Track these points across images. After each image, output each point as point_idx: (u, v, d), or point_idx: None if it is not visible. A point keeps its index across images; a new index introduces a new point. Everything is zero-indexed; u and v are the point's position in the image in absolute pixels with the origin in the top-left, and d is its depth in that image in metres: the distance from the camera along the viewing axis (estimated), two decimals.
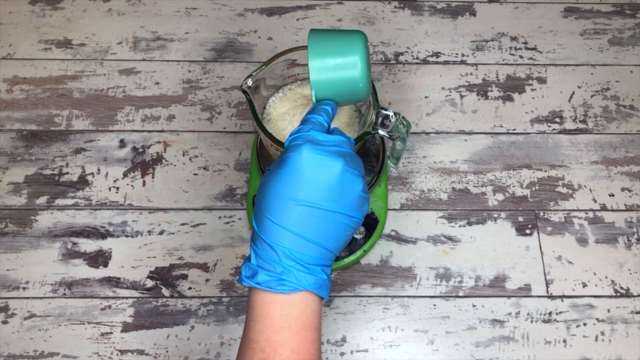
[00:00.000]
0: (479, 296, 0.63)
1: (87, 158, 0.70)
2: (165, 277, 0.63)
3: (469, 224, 0.67)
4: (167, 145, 0.71)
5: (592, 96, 0.75)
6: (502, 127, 0.73)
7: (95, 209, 0.67)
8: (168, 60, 0.77)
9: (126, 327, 0.61)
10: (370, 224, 0.63)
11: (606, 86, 0.76)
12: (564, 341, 0.61)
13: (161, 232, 0.66)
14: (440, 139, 0.72)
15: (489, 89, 0.75)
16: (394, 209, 0.67)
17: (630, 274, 0.64)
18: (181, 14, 0.80)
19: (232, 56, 0.77)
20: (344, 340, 0.61)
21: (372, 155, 0.63)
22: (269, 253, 0.37)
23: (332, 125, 0.53)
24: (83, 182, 0.68)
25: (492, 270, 0.64)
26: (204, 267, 0.64)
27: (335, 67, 0.43)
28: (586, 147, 0.72)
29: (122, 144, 0.71)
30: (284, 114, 0.54)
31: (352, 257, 0.62)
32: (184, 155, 0.70)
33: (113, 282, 0.63)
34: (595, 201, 0.68)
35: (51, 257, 0.64)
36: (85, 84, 0.75)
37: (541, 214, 0.67)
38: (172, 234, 0.66)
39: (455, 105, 0.74)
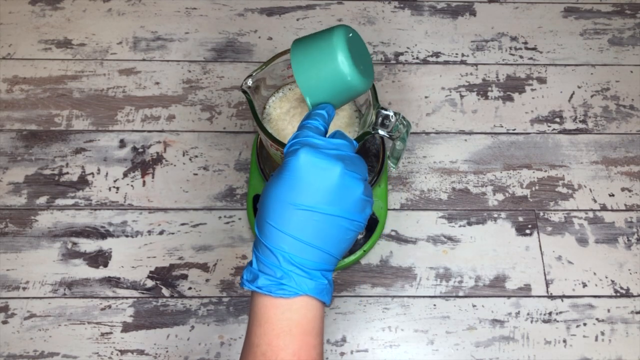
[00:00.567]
0: (479, 296, 0.63)
1: (87, 158, 0.70)
2: (165, 277, 0.63)
3: (469, 224, 0.67)
4: (167, 145, 0.71)
5: (592, 96, 0.75)
6: (502, 127, 0.73)
7: (95, 209, 0.67)
8: (168, 60, 0.77)
9: (126, 327, 0.61)
10: (370, 224, 0.63)
11: (606, 86, 0.76)
12: (564, 341, 0.61)
13: (161, 232, 0.66)
14: (440, 139, 0.72)
15: (489, 89, 0.75)
16: (394, 209, 0.67)
17: (630, 274, 0.64)
18: (181, 14, 0.80)
19: (232, 56, 0.77)
20: (344, 340, 0.61)
21: (372, 155, 0.63)
22: (270, 258, 0.37)
23: (330, 127, 0.53)
24: (83, 182, 0.68)
25: (492, 270, 0.64)
26: (204, 267, 0.64)
27: (317, 66, 0.42)
28: (586, 147, 0.72)
29: (122, 144, 0.71)
30: (284, 114, 0.54)
31: (352, 257, 0.62)
32: (184, 155, 0.70)
33: (113, 282, 0.63)
34: (595, 201, 0.68)
35: (51, 257, 0.64)
36: (85, 84, 0.75)
37: (541, 214, 0.67)
38: (172, 234, 0.66)
39: (455, 105, 0.74)
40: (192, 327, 0.61)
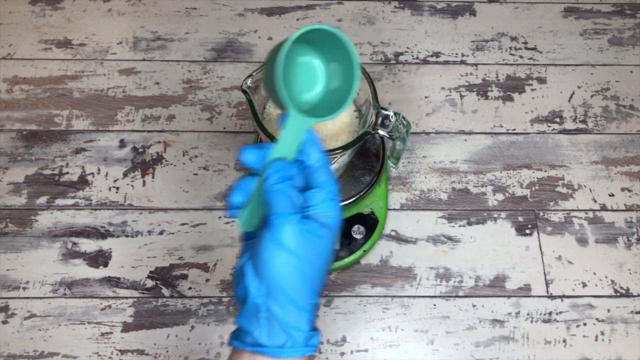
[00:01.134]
0: (479, 296, 0.63)
1: (87, 158, 0.70)
2: (165, 277, 0.63)
3: (469, 224, 0.67)
4: (167, 145, 0.71)
5: (592, 96, 0.75)
6: (502, 127, 0.73)
7: (95, 209, 0.67)
8: (168, 60, 0.77)
9: (126, 327, 0.61)
10: (370, 224, 0.63)
11: (606, 86, 0.76)
12: (564, 341, 0.61)
13: (161, 232, 0.66)
14: (440, 139, 0.72)
15: (489, 89, 0.75)
16: (394, 209, 0.67)
17: (630, 274, 0.64)
18: (181, 14, 0.80)
19: (232, 56, 0.77)
20: (344, 340, 0.61)
21: (372, 155, 0.63)
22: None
23: (330, 127, 0.53)
24: (83, 182, 0.68)
25: (492, 270, 0.64)
26: (204, 267, 0.64)
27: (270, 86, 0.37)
28: (586, 147, 0.72)
29: (122, 144, 0.71)
30: None
31: (352, 257, 0.62)
32: (184, 155, 0.70)
33: (113, 282, 0.63)
34: (595, 201, 0.68)
35: (51, 257, 0.64)
36: (85, 84, 0.75)
37: (541, 214, 0.67)
38: (172, 234, 0.66)
39: (455, 105, 0.74)
40: (192, 327, 0.61)
